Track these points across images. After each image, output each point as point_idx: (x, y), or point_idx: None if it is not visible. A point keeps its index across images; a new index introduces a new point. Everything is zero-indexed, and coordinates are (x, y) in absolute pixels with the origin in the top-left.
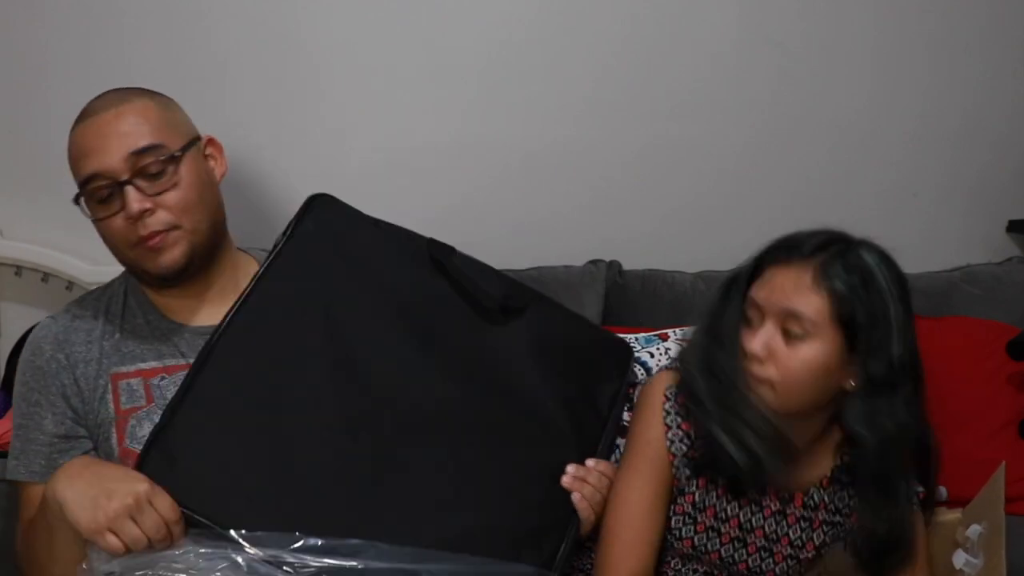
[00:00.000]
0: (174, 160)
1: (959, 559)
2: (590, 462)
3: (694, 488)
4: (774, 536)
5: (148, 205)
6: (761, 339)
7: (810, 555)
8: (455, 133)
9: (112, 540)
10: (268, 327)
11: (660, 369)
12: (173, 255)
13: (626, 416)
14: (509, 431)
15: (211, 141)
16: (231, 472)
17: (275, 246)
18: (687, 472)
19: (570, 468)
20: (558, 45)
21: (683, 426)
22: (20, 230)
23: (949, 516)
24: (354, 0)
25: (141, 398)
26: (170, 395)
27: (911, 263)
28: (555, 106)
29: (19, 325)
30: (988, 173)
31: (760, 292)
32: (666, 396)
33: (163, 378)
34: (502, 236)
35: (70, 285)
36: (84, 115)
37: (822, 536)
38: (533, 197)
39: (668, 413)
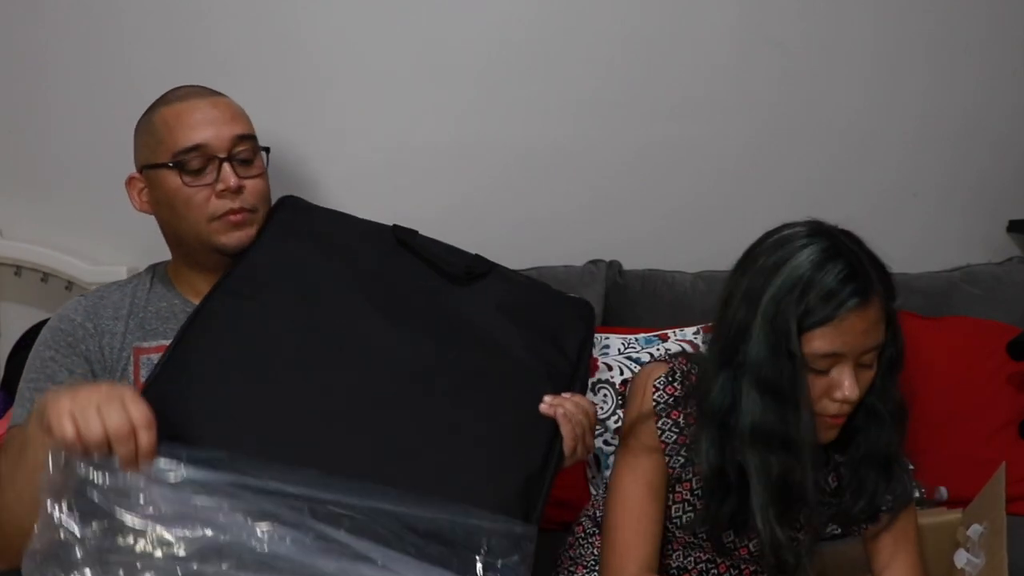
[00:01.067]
0: (262, 152)
1: (960, 558)
2: (565, 395)
3: (691, 475)
4: None
5: (244, 183)
6: (852, 383)
7: (823, 502)
8: (455, 133)
9: (67, 426)
10: (250, 299)
11: (649, 361)
12: (249, 232)
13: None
14: (483, 376)
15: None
16: (218, 417)
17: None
18: (681, 460)
19: (547, 398)
20: (558, 45)
21: (673, 415)
22: (20, 230)
23: (949, 516)
24: (354, 0)
25: None
26: None
27: (911, 263)
28: (555, 106)
29: (19, 325)
30: (988, 173)
31: (842, 341)
32: (655, 387)
33: None
34: (502, 236)
35: (70, 285)
36: (185, 96)
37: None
38: (533, 197)
39: (658, 403)
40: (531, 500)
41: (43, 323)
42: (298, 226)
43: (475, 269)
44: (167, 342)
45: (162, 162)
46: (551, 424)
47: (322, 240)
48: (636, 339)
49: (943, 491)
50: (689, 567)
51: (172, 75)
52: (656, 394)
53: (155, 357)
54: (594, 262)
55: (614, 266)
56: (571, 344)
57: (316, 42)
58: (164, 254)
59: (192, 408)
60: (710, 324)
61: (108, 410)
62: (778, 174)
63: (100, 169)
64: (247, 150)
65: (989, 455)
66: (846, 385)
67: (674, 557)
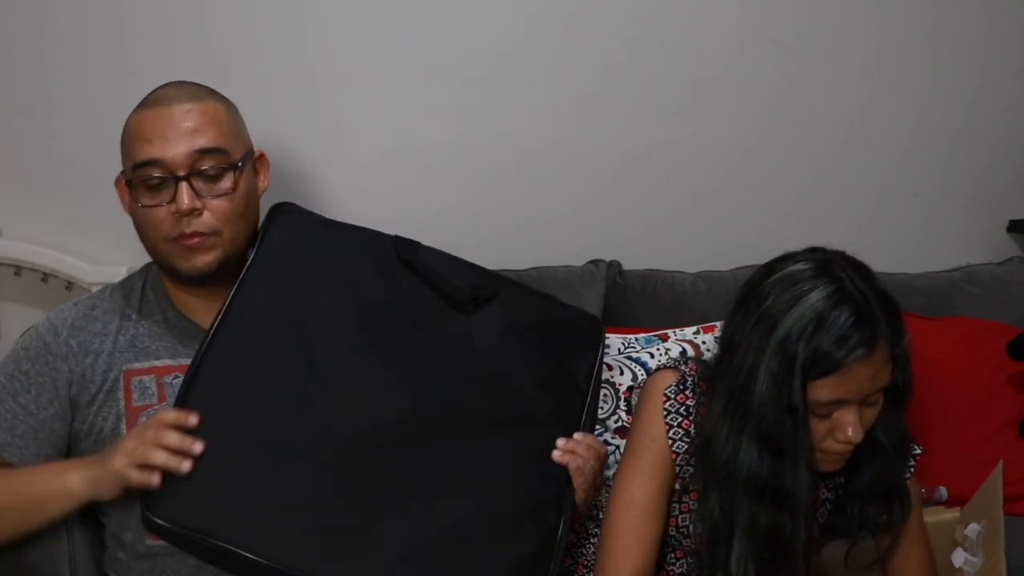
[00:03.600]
0: (232, 168)
1: (958, 558)
2: (577, 435)
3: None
4: None
5: (198, 205)
6: (858, 426)
7: (815, 536)
8: (455, 133)
9: (142, 475)
10: (247, 341)
11: (658, 367)
12: (206, 259)
13: (626, 418)
14: (494, 418)
15: (261, 156)
16: (226, 488)
17: (247, 259)
18: (691, 470)
19: (559, 442)
20: (559, 46)
21: (684, 424)
22: (20, 230)
23: (948, 516)
24: (354, 0)
25: (153, 396)
26: None
27: (911, 263)
28: (555, 106)
29: (19, 325)
30: (988, 173)
31: (842, 389)
32: (666, 395)
33: (176, 376)
34: (502, 236)
35: (70, 285)
36: (154, 101)
37: (824, 515)
38: (533, 197)
39: (668, 412)
40: (544, 564)
41: None
42: (291, 248)
43: (482, 292)
44: (160, 363)
45: (126, 176)
46: (563, 474)
47: (318, 264)
48: (636, 339)
49: (943, 491)
50: (692, 574)
51: (172, 75)
52: (667, 403)
53: (146, 379)
54: (594, 262)
55: (614, 266)
56: (582, 372)
57: (316, 42)
58: None
59: (201, 490)
60: (712, 356)
61: (153, 436)
62: (778, 174)
63: (100, 169)
64: (212, 166)
65: (989, 455)
66: (850, 429)
67: (677, 564)
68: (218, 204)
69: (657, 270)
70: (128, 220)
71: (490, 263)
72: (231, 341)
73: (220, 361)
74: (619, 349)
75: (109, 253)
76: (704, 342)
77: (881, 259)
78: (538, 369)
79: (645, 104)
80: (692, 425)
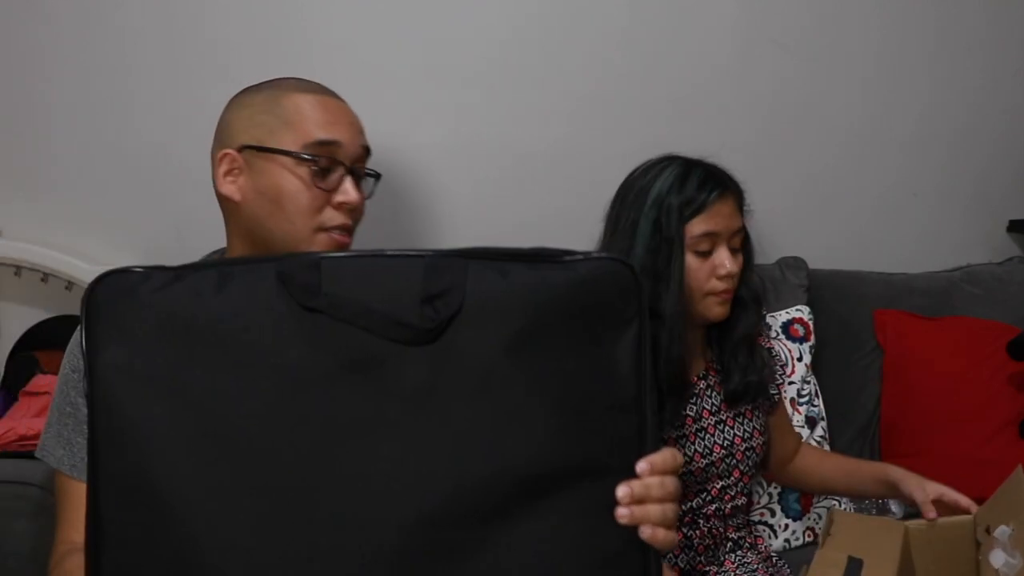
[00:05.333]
0: (374, 177)
1: (998, 559)
2: (642, 465)
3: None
4: (728, 439)
5: (362, 201)
6: (732, 259)
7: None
8: (454, 133)
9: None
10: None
11: None
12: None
13: None
14: (516, 491)
15: None
16: None
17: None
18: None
19: (620, 494)
20: (558, 45)
21: None
22: (20, 230)
23: (960, 516)
24: (354, 0)
25: None
26: None
27: (911, 263)
28: (555, 106)
29: (19, 325)
30: (988, 173)
31: (715, 223)
32: None
33: None
34: (502, 236)
35: (70, 285)
36: (319, 89)
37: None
38: (533, 197)
39: None
40: None
41: (43, 323)
42: (143, 321)
43: (439, 312)
44: None
45: (286, 149)
46: (634, 536)
47: (191, 336)
48: None
49: (893, 506)
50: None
51: (172, 75)
52: None
53: None
54: None
55: None
56: (623, 359)
57: (316, 42)
58: (167, 255)
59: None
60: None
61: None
62: (778, 174)
63: (100, 169)
64: (367, 168)
65: (989, 455)
66: (727, 261)
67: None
68: (363, 205)
69: None
70: (128, 220)
71: None
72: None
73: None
74: None
75: (109, 253)
76: None
77: (881, 259)
78: (560, 387)
79: (645, 104)
80: None
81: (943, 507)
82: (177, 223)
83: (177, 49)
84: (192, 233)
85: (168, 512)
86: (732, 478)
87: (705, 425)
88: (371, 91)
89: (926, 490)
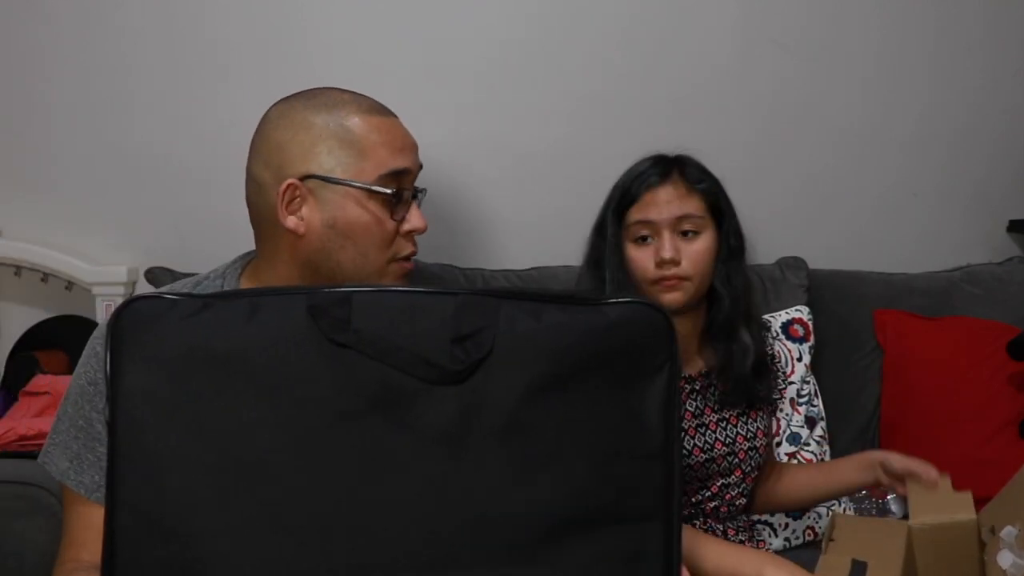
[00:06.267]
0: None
1: (1005, 559)
2: None
3: None
4: (730, 437)
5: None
6: (670, 245)
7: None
8: (454, 133)
9: None
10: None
11: None
12: (406, 285)
13: None
14: (547, 548)
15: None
16: None
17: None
18: None
19: None
20: (558, 45)
21: None
22: (20, 230)
23: (962, 517)
24: (354, 0)
25: None
26: None
27: (911, 263)
28: (555, 106)
29: (19, 325)
30: (988, 173)
31: (649, 211)
32: None
33: None
34: (502, 236)
35: (70, 285)
36: (377, 110)
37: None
38: (533, 197)
39: None
40: None
41: (43, 323)
42: (173, 353)
43: (470, 353)
44: None
45: (360, 183)
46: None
47: (217, 366)
48: None
49: (892, 505)
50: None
51: (172, 75)
52: None
53: None
54: None
55: None
56: (652, 404)
57: (315, 42)
58: (167, 255)
59: None
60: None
61: None
62: (778, 174)
63: (100, 169)
64: (418, 187)
65: (989, 455)
66: (665, 247)
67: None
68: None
69: None
70: (128, 220)
71: (490, 263)
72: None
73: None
74: None
75: (109, 253)
76: None
77: (881, 259)
78: (588, 433)
79: (645, 104)
80: None
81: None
82: (177, 223)
83: (177, 49)
84: (192, 233)
85: (184, 543)
86: (733, 477)
87: (707, 422)
88: (371, 91)
89: (907, 459)
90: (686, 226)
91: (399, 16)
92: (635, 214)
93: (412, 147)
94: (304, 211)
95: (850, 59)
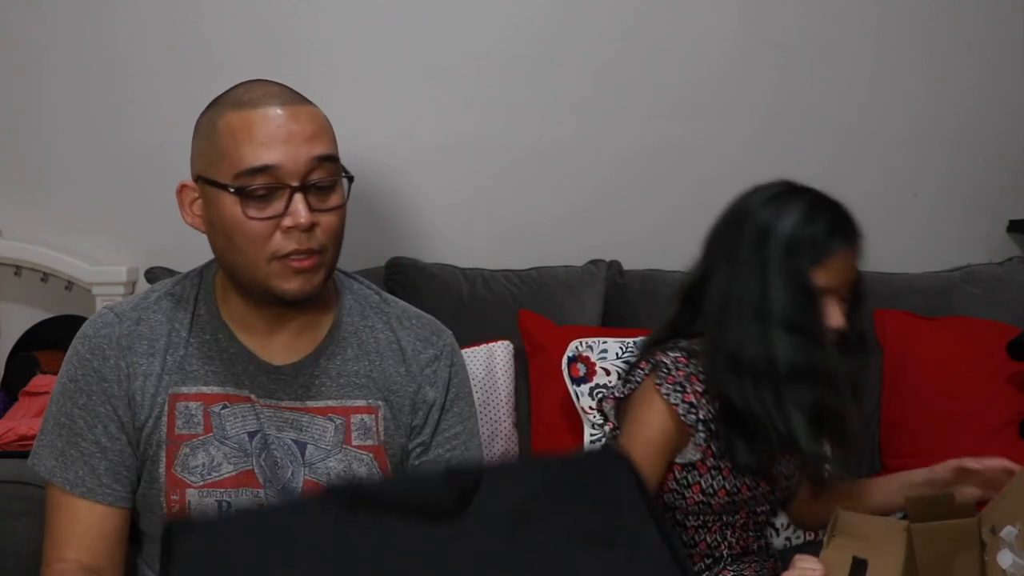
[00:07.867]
0: (343, 180)
1: (1006, 559)
2: None
3: (708, 442)
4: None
5: (314, 220)
6: (840, 315)
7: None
8: (455, 133)
9: None
10: None
11: (629, 382)
12: (313, 281)
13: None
14: None
15: None
16: None
17: None
18: (704, 435)
19: None
20: (558, 45)
21: (686, 398)
22: (20, 230)
23: (962, 516)
24: (354, 0)
25: (199, 425)
26: (230, 427)
27: (911, 263)
28: (555, 106)
29: (19, 325)
30: (988, 173)
31: (833, 277)
32: (656, 385)
33: (225, 406)
34: (502, 236)
35: (70, 285)
36: (257, 100)
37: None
38: (533, 197)
39: (668, 395)
40: None
41: (43, 323)
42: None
43: (462, 484)
44: (208, 390)
45: (221, 182)
46: None
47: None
48: (635, 342)
49: None
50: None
51: (171, 75)
52: (662, 389)
53: (192, 406)
54: (594, 262)
55: (614, 266)
56: (628, 524)
57: (315, 42)
58: (167, 255)
59: None
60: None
61: None
62: (778, 174)
63: (100, 169)
64: (327, 176)
65: (989, 455)
66: (835, 318)
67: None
68: (328, 220)
69: (657, 270)
70: (128, 220)
71: (490, 263)
72: None
73: None
74: (616, 354)
75: (109, 253)
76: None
77: (881, 259)
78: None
79: (645, 103)
80: (692, 396)
81: (962, 472)
82: (177, 223)
83: (176, 49)
84: (192, 233)
85: None
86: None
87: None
88: (371, 91)
89: (947, 463)
90: (846, 293)
91: (399, 16)
92: (824, 279)
93: (283, 140)
94: (200, 211)
95: (850, 59)
